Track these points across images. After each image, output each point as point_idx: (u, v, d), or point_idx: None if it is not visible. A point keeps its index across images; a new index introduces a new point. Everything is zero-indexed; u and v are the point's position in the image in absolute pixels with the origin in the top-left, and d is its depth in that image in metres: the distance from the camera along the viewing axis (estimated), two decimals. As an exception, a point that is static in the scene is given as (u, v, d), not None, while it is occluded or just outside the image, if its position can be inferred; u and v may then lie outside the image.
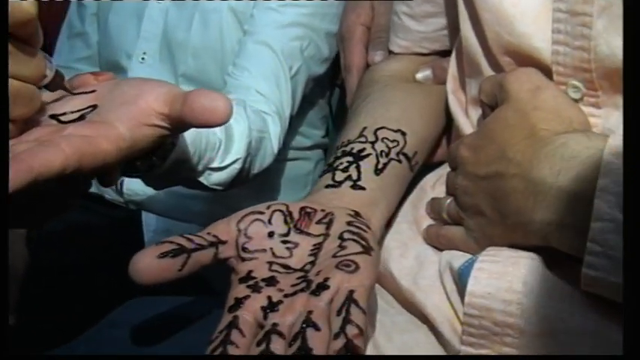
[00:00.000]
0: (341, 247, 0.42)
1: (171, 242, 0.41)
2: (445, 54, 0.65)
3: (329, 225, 0.45)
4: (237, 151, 0.71)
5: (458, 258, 0.46)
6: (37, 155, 0.38)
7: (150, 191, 0.94)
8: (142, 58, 0.98)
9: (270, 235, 0.45)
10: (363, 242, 0.43)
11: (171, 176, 0.61)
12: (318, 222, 0.46)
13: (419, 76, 0.65)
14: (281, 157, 1.02)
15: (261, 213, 0.46)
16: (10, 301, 0.91)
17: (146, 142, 0.45)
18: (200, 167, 0.65)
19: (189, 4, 0.94)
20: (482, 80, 0.50)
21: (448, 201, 0.52)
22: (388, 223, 0.55)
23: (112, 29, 1.01)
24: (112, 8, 1.01)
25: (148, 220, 1.01)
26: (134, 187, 0.95)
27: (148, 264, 0.40)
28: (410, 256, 0.52)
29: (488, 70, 0.52)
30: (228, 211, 0.98)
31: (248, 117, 0.75)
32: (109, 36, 1.02)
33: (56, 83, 0.45)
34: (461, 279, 0.44)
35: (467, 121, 0.56)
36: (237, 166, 0.71)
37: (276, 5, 0.88)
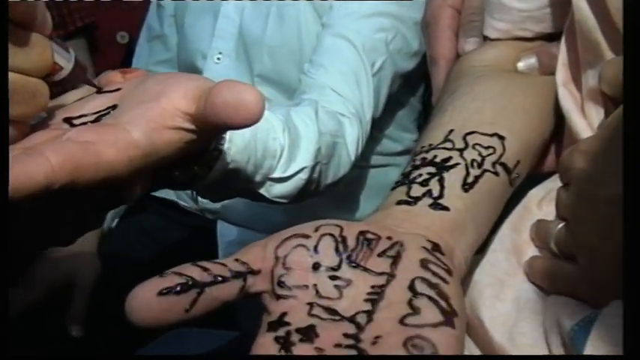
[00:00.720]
0: (412, 307, 0.32)
1: (178, 274, 0.32)
2: (553, 38, 0.52)
3: (395, 261, 0.35)
4: (304, 159, 0.61)
5: (570, 312, 0.34)
6: (13, 167, 0.30)
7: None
8: (218, 58, 0.93)
9: (316, 267, 0.35)
10: (444, 304, 0.32)
11: (223, 188, 0.53)
12: (381, 254, 0.36)
13: (521, 65, 0.52)
14: (366, 164, 0.92)
15: (307, 237, 0.36)
16: (76, 310, 0.88)
17: (169, 149, 0.37)
18: (258, 178, 0.57)
19: (265, -1, 0.87)
20: (602, 65, 0.38)
21: (559, 227, 0.40)
22: (479, 250, 0.43)
23: (188, 30, 0.97)
24: (189, 8, 0.97)
25: (224, 230, 0.95)
26: (209, 194, 0.89)
27: (147, 302, 0.32)
28: (507, 298, 0.40)
29: (609, 53, 0.40)
30: (307, 222, 0.91)
31: (319, 119, 0.65)
32: (185, 37, 0.98)
33: (76, 77, 0.39)
34: (574, 344, 0.32)
35: (583, 121, 0.44)
36: (304, 176, 0.61)
37: (357, -7, 0.78)
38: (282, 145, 0.58)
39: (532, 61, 0.52)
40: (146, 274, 0.95)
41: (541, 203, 0.48)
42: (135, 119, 0.36)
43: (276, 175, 0.58)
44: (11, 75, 0.33)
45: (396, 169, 0.97)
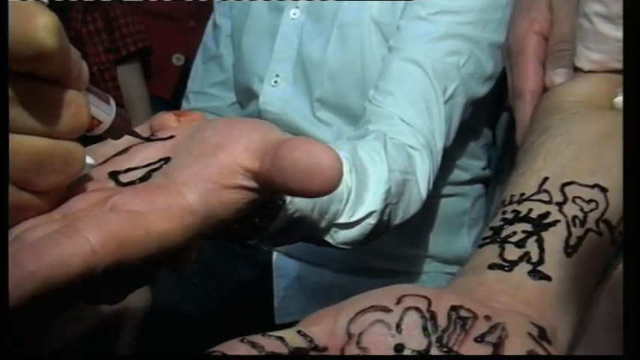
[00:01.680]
0: None
1: (223, 356, 0.27)
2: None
3: (496, 350, 0.29)
4: (373, 203, 0.55)
5: None
6: (44, 253, 0.26)
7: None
8: (275, 81, 0.88)
9: (399, 349, 0.29)
10: None
11: (285, 237, 0.48)
12: (480, 339, 0.30)
13: (619, 100, 0.46)
14: (433, 194, 0.86)
15: (388, 311, 0.31)
16: (125, 341, 0.85)
17: (227, 212, 0.32)
18: (323, 224, 0.51)
19: (327, 18, 0.82)
20: None
21: None
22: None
23: (245, 50, 0.93)
24: (246, 28, 0.93)
25: (280, 262, 0.90)
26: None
27: None
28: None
29: None
30: (368, 256, 0.85)
31: (388, 155, 0.59)
32: (242, 58, 0.94)
33: (118, 130, 0.34)
34: None
35: None
36: (372, 220, 0.56)
37: (426, 14, 0.73)
38: (349, 187, 0.53)
39: None
40: (198, 306, 0.92)
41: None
42: (191, 179, 0.31)
43: (342, 220, 0.53)
44: (39, 140, 0.28)
45: (463, 199, 0.91)
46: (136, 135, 0.36)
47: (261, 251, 0.91)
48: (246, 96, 0.94)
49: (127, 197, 0.30)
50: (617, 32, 0.46)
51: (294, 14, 0.87)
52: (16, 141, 0.27)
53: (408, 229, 0.80)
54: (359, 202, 0.54)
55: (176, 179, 0.32)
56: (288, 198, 0.44)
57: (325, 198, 0.50)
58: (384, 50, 0.77)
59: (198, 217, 0.31)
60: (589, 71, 0.49)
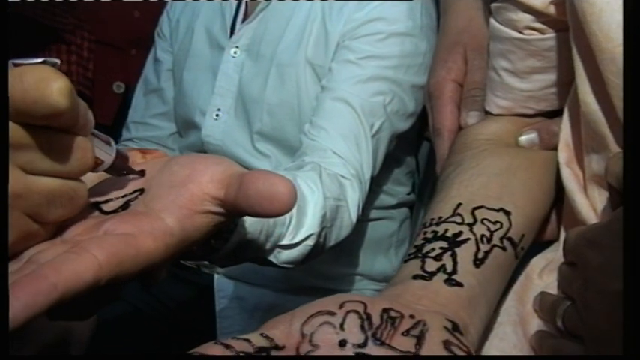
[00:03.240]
0: None
1: (202, 356, 0.33)
2: (553, 114, 0.55)
3: (419, 340, 0.37)
4: (311, 226, 0.63)
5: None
6: (62, 268, 0.31)
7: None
8: (216, 115, 0.94)
9: (342, 344, 0.36)
10: None
11: (234, 257, 0.54)
12: (406, 333, 0.37)
13: (522, 140, 0.55)
14: (363, 218, 0.94)
15: (332, 314, 0.38)
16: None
17: (199, 233, 0.38)
18: (268, 246, 0.58)
19: (265, 58, 0.89)
20: (609, 158, 0.40)
21: (565, 305, 0.42)
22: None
23: (187, 85, 0.98)
24: (187, 64, 0.98)
25: (221, 284, 0.95)
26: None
27: None
28: (517, 371, 0.42)
29: (615, 146, 0.42)
30: (305, 276, 0.91)
31: (323, 184, 0.67)
32: (183, 92, 0.99)
33: (117, 167, 0.39)
34: None
35: (586, 202, 0.46)
36: (311, 242, 0.63)
37: (355, 58, 0.81)
38: (290, 213, 0.60)
39: (533, 136, 0.55)
40: (143, 328, 0.95)
41: (542, 273, 0.50)
42: (167, 207, 0.37)
43: (284, 242, 0.60)
44: (51, 181, 0.33)
45: (390, 222, 0.99)
46: (133, 172, 0.41)
47: (202, 274, 0.96)
48: (186, 127, 1.00)
49: (118, 223, 0.36)
50: (520, 84, 0.55)
51: (235, 53, 0.93)
52: (31, 181, 0.32)
53: (341, 250, 0.88)
54: (299, 225, 0.61)
55: (154, 207, 0.37)
56: (241, 221, 0.50)
57: (271, 222, 0.56)
58: (318, 88, 0.85)
59: (176, 238, 0.37)
60: (497, 115, 0.58)
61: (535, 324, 0.46)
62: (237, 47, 0.93)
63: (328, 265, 0.91)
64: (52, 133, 0.32)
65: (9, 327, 0.29)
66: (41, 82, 0.30)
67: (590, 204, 0.46)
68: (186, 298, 0.96)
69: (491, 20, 0.56)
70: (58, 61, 0.33)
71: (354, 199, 0.73)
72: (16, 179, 0.31)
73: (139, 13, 1.23)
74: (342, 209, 0.70)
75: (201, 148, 0.96)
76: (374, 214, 0.96)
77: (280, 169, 0.81)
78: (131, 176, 0.41)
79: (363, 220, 0.93)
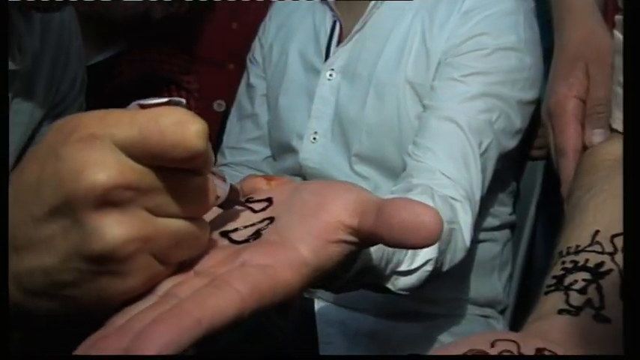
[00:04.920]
0: None
1: None
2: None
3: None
4: (429, 251, 0.61)
5: None
6: (206, 303, 0.30)
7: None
8: (314, 138, 0.94)
9: None
10: None
11: (353, 284, 0.52)
12: (561, 373, 0.35)
13: None
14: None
15: (484, 354, 0.35)
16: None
17: (332, 262, 0.37)
18: (387, 272, 0.56)
19: (362, 79, 0.88)
20: None
21: None
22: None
23: (283, 110, 0.98)
24: (282, 89, 0.99)
25: (322, 309, 0.93)
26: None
27: None
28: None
29: None
30: (407, 300, 0.89)
31: (437, 207, 0.65)
32: (279, 117, 0.99)
33: (230, 201, 0.39)
34: None
35: None
36: (429, 267, 0.61)
37: (459, 76, 0.79)
38: None
39: None
40: (244, 354, 0.93)
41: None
42: (301, 236, 0.36)
43: (403, 268, 0.58)
44: (179, 222, 0.32)
45: (493, 244, 0.96)
46: (245, 206, 0.40)
47: (302, 298, 0.95)
48: (283, 151, 1.00)
49: (254, 254, 0.35)
50: None
51: (330, 76, 0.93)
52: (160, 224, 0.32)
53: (445, 274, 0.85)
54: (417, 251, 0.59)
55: (288, 236, 0.36)
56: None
57: (390, 248, 0.55)
58: (419, 108, 0.83)
59: (311, 268, 0.35)
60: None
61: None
62: (332, 69, 0.92)
63: (431, 289, 0.88)
64: (180, 174, 0.32)
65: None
66: (179, 125, 0.30)
67: None
68: (288, 322, 0.96)
69: (616, 33, 0.53)
70: (183, 100, 0.32)
71: (466, 221, 0.71)
72: (146, 222, 0.31)
73: (237, 25, 1.22)
74: (455, 232, 0.68)
75: (299, 172, 0.96)
76: (477, 235, 0.93)
77: (385, 192, 0.80)
78: (257, 205, 0.41)
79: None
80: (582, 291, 0.41)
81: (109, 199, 0.29)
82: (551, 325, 0.40)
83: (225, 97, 1.19)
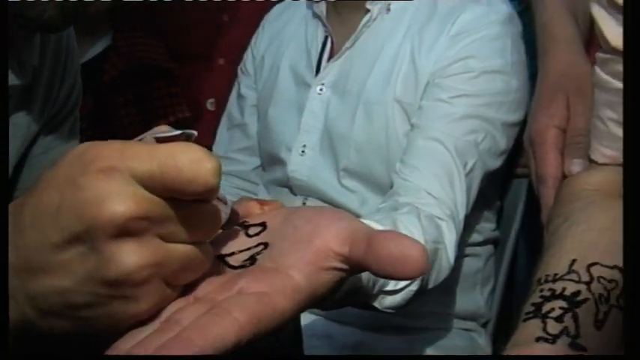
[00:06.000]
0: None
1: None
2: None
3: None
4: None
5: None
6: (207, 331, 0.32)
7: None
8: (302, 151, 0.95)
9: None
10: None
11: (341, 303, 0.54)
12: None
13: None
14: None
15: None
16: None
17: (324, 289, 0.38)
18: (374, 292, 0.58)
19: (352, 96, 0.90)
20: None
21: None
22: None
23: (272, 122, 0.99)
24: (272, 101, 1.00)
25: (309, 321, 0.95)
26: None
27: None
28: None
29: None
30: (395, 316, 0.91)
31: (422, 227, 0.67)
32: (268, 128, 1.00)
33: (231, 222, 0.41)
34: None
35: None
36: (414, 287, 0.63)
37: (447, 97, 0.81)
38: None
39: None
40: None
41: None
42: (295, 263, 0.37)
43: (389, 288, 0.60)
44: (187, 248, 0.34)
45: (476, 259, 0.97)
46: (244, 227, 0.41)
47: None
48: (272, 162, 1.01)
49: (251, 281, 0.36)
50: None
51: (321, 90, 0.94)
52: (171, 249, 0.33)
53: (431, 288, 0.87)
54: None
55: (283, 263, 0.37)
56: None
57: None
58: (406, 126, 0.85)
59: (304, 294, 0.37)
60: (602, 164, 0.57)
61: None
62: (322, 84, 0.94)
63: (416, 303, 0.90)
64: (192, 204, 0.33)
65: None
66: (195, 163, 0.32)
67: None
68: (274, 336, 0.97)
69: (597, 70, 0.55)
70: (195, 132, 0.34)
71: (450, 240, 0.73)
72: (158, 249, 0.33)
73: (228, 17, 1.20)
74: (440, 252, 0.69)
75: (287, 184, 0.97)
76: (461, 250, 0.95)
77: (373, 206, 0.81)
78: (252, 229, 0.42)
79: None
80: (559, 319, 0.43)
81: (126, 229, 0.31)
82: (529, 351, 0.42)
83: (215, 94, 1.19)
